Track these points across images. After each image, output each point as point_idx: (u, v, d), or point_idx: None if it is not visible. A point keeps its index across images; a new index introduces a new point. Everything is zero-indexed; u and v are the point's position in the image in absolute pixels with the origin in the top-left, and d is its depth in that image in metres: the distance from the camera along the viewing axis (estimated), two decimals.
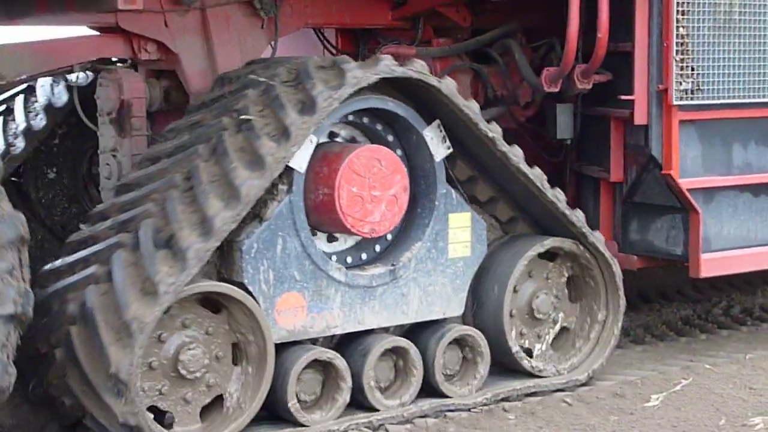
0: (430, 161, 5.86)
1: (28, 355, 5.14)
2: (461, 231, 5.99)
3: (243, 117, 5.50)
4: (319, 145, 5.59)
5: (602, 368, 6.42)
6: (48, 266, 5.56)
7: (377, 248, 5.93)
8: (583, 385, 6.33)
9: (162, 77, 6.40)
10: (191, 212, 5.21)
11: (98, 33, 6.35)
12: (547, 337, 6.38)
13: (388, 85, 5.72)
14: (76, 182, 7.59)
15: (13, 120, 7.35)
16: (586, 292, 6.47)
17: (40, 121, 7.29)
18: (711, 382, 6.39)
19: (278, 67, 5.76)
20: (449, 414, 5.85)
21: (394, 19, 7.14)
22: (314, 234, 5.64)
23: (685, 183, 6.60)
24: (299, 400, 5.51)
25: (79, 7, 6.04)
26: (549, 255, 6.35)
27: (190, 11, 6.28)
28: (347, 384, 5.60)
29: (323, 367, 5.60)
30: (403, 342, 5.81)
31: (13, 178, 7.40)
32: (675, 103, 6.53)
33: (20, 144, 7.27)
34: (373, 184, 5.57)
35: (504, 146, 5.98)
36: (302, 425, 5.49)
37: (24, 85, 7.23)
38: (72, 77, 6.50)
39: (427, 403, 5.84)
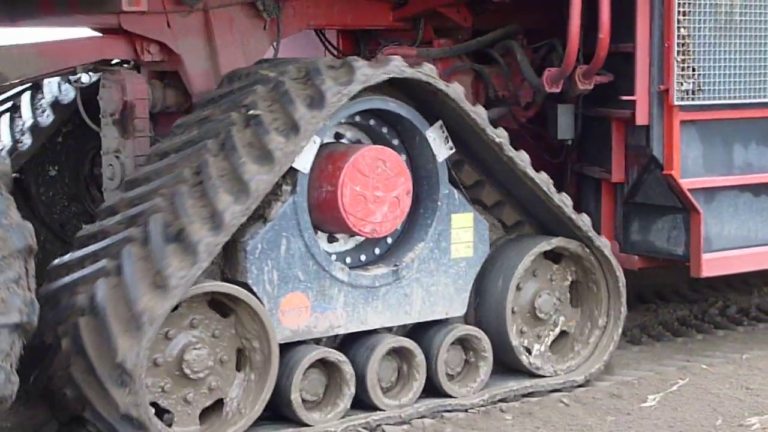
0: (432, 162, 5.88)
1: (30, 347, 5.13)
2: (464, 231, 6.01)
3: (251, 112, 5.52)
4: (324, 145, 5.61)
5: (600, 372, 6.44)
6: (57, 261, 5.57)
7: (377, 251, 5.94)
8: (580, 386, 6.33)
9: (165, 78, 6.41)
10: (201, 207, 5.23)
11: (101, 34, 6.36)
12: (546, 339, 6.38)
13: (389, 86, 5.74)
14: (78, 182, 7.59)
15: (20, 117, 7.36)
16: (588, 298, 6.48)
17: (47, 118, 7.30)
18: (708, 383, 6.40)
19: (288, 65, 5.79)
20: (446, 414, 5.86)
21: (395, 19, 7.16)
22: (315, 234, 5.65)
23: (686, 183, 6.61)
24: (302, 399, 5.52)
25: (83, 9, 6.05)
26: (554, 257, 6.37)
27: (192, 12, 6.30)
28: (350, 391, 5.62)
29: (328, 369, 5.62)
30: (407, 342, 5.82)
31: (14, 174, 7.39)
32: (676, 103, 6.54)
33: (27, 141, 7.28)
34: (376, 185, 5.59)
35: (511, 151, 6.01)
36: (302, 422, 5.50)
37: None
38: (75, 79, 6.49)
39: (424, 404, 5.85)
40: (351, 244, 5.89)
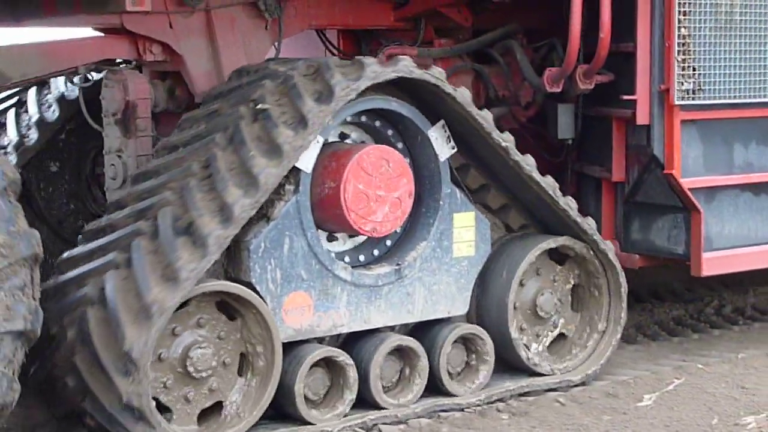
0: (434, 161, 5.90)
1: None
2: (465, 230, 6.03)
3: (260, 106, 5.53)
4: (328, 144, 5.63)
5: (596, 374, 6.44)
6: (66, 254, 5.59)
7: (375, 252, 5.96)
8: (576, 385, 6.34)
9: (167, 78, 6.42)
10: (210, 200, 5.26)
11: (103, 34, 6.37)
12: (545, 339, 6.40)
13: (392, 86, 5.75)
14: (79, 180, 7.59)
15: (26, 112, 7.37)
16: (589, 303, 6.50)
17: (53, 114, 7.31)
18: (703, 382, 6.41)
19: (297, 62, 5.82)
20: (443, 414, 5.87)
21: (396, 19, 7.16)
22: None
23: (686, 182, 6.63)
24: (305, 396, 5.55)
25: (87, 9, 6.06)
26: (558, 259, 6.39)
27: (194, 13, 6.31)
28: (352, 395, 5.64)
29: (332, 369, 5.64)
30: (410, 341, 5.84)
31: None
32: (677, 103, 6.56)
33: (33, 136, 7.29)
34: (379, 184, 5.60)
35: (517, 155, 6.04)
36: (302, 418, 5.51)
37: None
38: (77, 78, 6.50)
39: (421, 404, 5.86)
40: (349, 245, 5.90)
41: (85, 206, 7.65)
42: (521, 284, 6.24)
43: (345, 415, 5.62)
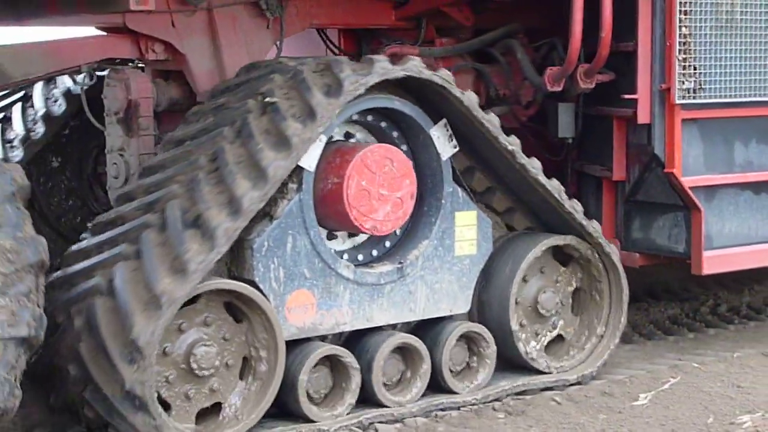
0: (436, 160, 5.91)
1: None
2: (467, 229, 6.04)
3: (268, 100, 5.54)
4: (333, 142, 5.65)
5: (592, 375, 6.45)
6: (74, 246, 5.60)
7: (374, 253, 5.96)
8: (572, 384, 6.35)
9: (169, 77, 6.43)
10: (218, 193, 5.27)
11: (105, 33, 6.38)
12: (543, 338, 6.40)
13: (394, 86, 5.76)
14: (80, 178, 7.61)
15: (32, 106, 7.38)
16: (590, 307, 6.52)
17: (59, 108, 7.33)
18: (699, 381, 6.42)
19: (307, 58, 5.83)
20: (439, 413, 5.87)
21: (397, 19, 7.18)
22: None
23: (687, 181, 6.64)
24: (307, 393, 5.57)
25: (90, 8, 6.07)
26: (563, 260, 6.41)
27: (197, 12, 6.32)
28: (353, 400, 5.65)
29: (335, 371, 5.66)
30: (413, 339, 5.86)
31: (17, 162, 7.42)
32: (677, 102, 6.58)
33: (40, 129, 7.31)
34: (382, 183, 5.61)
35: (523, 158, 6.05)
36: (303, 414, 5.53)
37: None
38: (80, 77, 6.52)
39: (417, 404, 5.86)
40: (349, 244, 5.92)
41: (84, 204, 7.66)
42: (524, 280, 6.25)
43: (342, 415, 5.64)
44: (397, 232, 5.97)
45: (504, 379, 6.22)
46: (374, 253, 5.95)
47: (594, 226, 6.33)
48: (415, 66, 5.67)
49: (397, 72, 5.62)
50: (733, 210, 6.89)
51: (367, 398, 5.75)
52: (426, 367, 5.89)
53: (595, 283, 6.47)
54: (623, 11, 6.55)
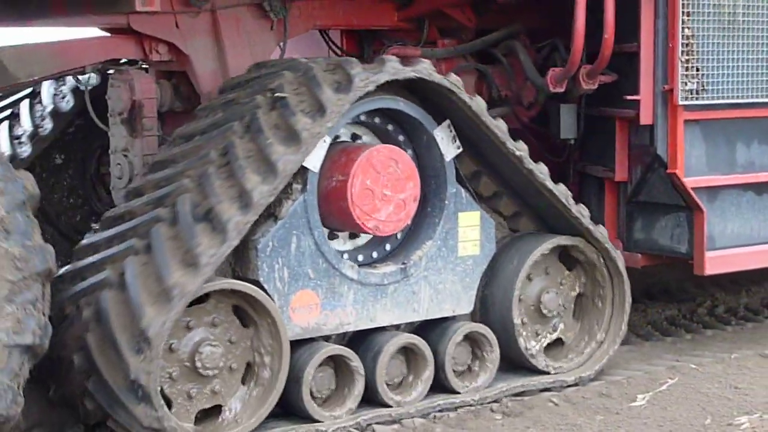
0: (440, 161, 5.92)
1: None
2: (471, 230, 6.05)
3: (277, 95, 5.56)
4: (338, 143, 5.66)
5: (590, 378, 6.46)
6: (84, 241, 5.62)
7: (374, 255, 5.97)
8: (569, 386, 6.35)
9: (173, 78, 6.45)
10: (228, 187, 5.28)
11: (109, 34, 6.39)
12: (543, 340, 6.40)
13: (399, 87, 5.77)
14: (83, 178, 7.61)
15: (40, 102, 7.39)
16: (591, 312, 6.52)
17: (67, 104, 7.34)
18: (697, 382, 6.41)
19: (318, 58, 5.85)
20: (437, 414, 5.87)
21: (399, 20, 7.19)
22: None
23: (689, 182, 6.65)
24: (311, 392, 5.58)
25: (94, 9, 6.08)
26: (568, 264, 6.42)
27: (200, 13, 6.33)
28: (353, 404, 5.65)
29: (339, 371, 5.67)
30: (416, 340, 5.86)
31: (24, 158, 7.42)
32: (680, 103, 6.59)
33: (48, 126, 7.32)
34: (386, 183, 5.62)
35: (530, 164, 6.07)
36: (306, 413, 5.54)
37: None
38: (83, 78, 6.53)
39: (414, 405, 5.86)
40: (350, 245, 5.92)
41: (85, 203, 7.67)
42: (528, 278, 6.26)
43: (340, 417, 5.65)
44: (398, 235, 5.97)
45: (502, 380, 6.22)
46: (374, 255, 5.96)
47: (601, 231, 6.35)
48: (425, 68, 5.69)
49: (408, 73, 5.63)
50: (736, 211, 6.91)
51: (368, 398, 5.75)
52: (429, 372, 5.89)
53: (599, 288, 6.48)
54: (626, 12, 6.56)
